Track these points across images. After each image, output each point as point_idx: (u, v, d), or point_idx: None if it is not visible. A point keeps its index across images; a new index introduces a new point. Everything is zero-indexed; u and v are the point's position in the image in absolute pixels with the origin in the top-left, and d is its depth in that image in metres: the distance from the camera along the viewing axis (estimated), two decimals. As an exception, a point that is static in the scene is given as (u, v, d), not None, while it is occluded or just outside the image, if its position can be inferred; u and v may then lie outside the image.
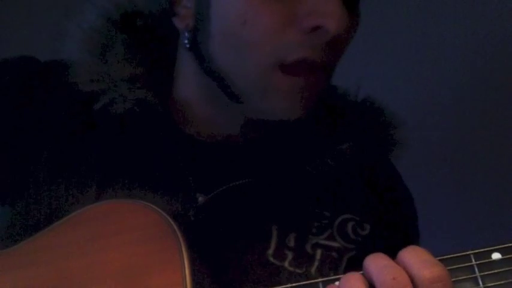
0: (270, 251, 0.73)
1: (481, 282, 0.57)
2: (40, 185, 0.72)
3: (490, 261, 0.58)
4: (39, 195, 0.71)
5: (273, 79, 0.67)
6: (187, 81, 0.76)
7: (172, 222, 0.64)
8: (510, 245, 0.58)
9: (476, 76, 1.31)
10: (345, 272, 0.73)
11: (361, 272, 0.58)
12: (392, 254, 0.68)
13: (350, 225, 0.77)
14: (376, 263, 0.56)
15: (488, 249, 0.58)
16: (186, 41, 0.72)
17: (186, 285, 0.61)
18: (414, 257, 0.55)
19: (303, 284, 0.61)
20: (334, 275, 0.73)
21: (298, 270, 0.73)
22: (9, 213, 0.72)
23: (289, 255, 0.73)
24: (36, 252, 0.65)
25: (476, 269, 0.57)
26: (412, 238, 0.82)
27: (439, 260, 0.58)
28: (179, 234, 0.63)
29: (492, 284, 0.57)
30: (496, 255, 0.58)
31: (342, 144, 0.77)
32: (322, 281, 0.60)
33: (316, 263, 0.74)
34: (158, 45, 0.78)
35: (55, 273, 0.64)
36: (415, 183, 0.83)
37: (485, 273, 0.57)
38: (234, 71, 0.69)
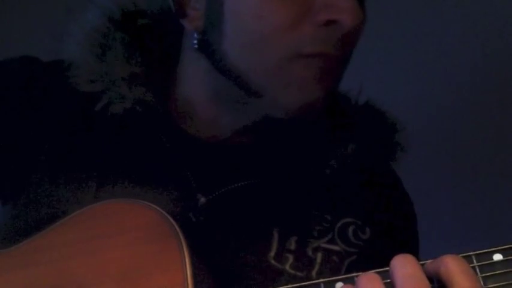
0: (271, 254, 0.73)
1: (482, 283, 0.57)
2: (40, 185, 0.72)
3: (492, 263, 0.58)
4: (39, 194, 0.71)
5: (294, 67, 0.68)
6: (194, 81, 0.76)
7: (173, 222, 0.64)
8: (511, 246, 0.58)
9: (479, 80, 1.30)
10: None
11: (378, 270, 0.58)
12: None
13: (351, 229, 0.76)
14: (403, 270, 0.56)
15: (489, 250, 0.58)
16: (195, 42, 0.72)
17: (187, 285, 0.61)
18: (457, 266, 0.55)
19: (304, 285, 0.61)
20: (335, 279, 0.73)
21: (299, 274, 0.73)
22: (10, 213, 0.72)
23: (290, 258, 0.73)
24: (36, 252, 0.65)
25: (478, 270, 0.57)
26: (411, 243, 0.82)
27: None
28: (180, 234, 0.63)
29: (494, 285, 0.57)
30: (497, 257, 0.58)
31: (344, 147, 0.77)
32: (324, 282, 0.60)
33: (317, 267, 0.74)
34: (158, 45, 0.78)
35: (56, 273, 0.64)
36: (416, 185, 0.83)
37: (487, 274, 0.57)
38: (251, 67, 0.69)
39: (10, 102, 0.75)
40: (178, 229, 0.63)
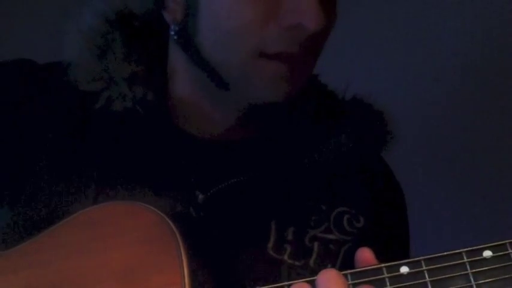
0: (270, 245, 0.74)
1: (472, 279, 0.58)
2: (40, 186, 0.72)
3: (482, 259, 0.59)
4: (39, 196, 0.72)
5: (257, 65, 0.70)
6: (181, 78, 0.77)
7: (171, 223, 0.65)
8: (501, 243, 0.59)
9: (469, 70, 1.30)
10: (342, 263, 0.75)
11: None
12: (386, 247, 0.69)
13: (346, 217, 0.78)
14: None
15: (479, 247, 0.59)
16: (172, 33, 0.75)
17: (184, 285, 0.62)
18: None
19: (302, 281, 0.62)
20: (332, 266, 0.75)
21: (297, 263, 0.74)
22: (9, 214, 0.72)
23: (288, 249, 0.75)
24: (36, 253, 0.66)
25: (468, 267, 0.59)
26: (401, 232, 0.84)
27: (433, 257, 0.60)
28: (178, 235, 0.64)
29: (484, 281, 0.58)
30: (487, 253, 0.59)
31: (336, 137, 0.78)
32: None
33: (314, 255, 0.75)
34: (157, 43, 0.78)
35: (55, 274, 0.65)
36: (407, 180, 0.84)
37: (477, 270, 0.59)
38: (222, 61, 0.71)
39: (8, 104, 0.76)
40: (176, 230, 0.64)
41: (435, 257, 0.60)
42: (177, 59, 0.77)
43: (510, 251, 0.59)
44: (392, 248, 0.78)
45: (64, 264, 0.65)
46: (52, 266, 0.65)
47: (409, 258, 0.60)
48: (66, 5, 0.75)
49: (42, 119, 0.75)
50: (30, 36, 1.15)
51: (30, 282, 0.65)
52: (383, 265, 0.60)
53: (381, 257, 0.62)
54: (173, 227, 0.64)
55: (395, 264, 0.60)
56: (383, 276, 0.60)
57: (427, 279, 0.59)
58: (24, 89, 0.76)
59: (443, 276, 0.59)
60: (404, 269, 0.60)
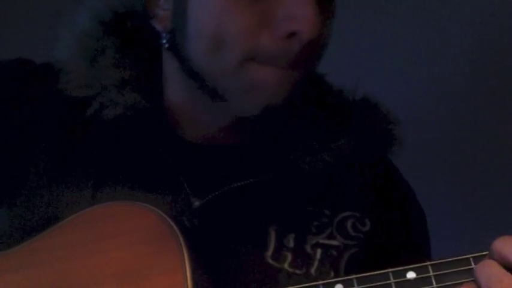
0: (269, 253, 0.73)
1: (480, 285, 0.58)
2: (37, 188, 0.71)
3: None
4: (36, 197, 0.71)
5: (250, 71, 0.68)
6: (173, 83, 0.76)
7: (173, 224, 0.64)
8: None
9: (474, 73, 1.30)
10: (346, 269, 0.74)
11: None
12: (394, 250, 0.68)
13: (350, 222, 0.76)
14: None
15: (487, 253, 0.59)
16: (164, 41, 0.73)
17: (187, 286, 0.61)
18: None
19: (303, 287, 0.61)
20: (334, 273, 0.74)
21: (297, 271, 0.73)
22: (8, 216, 0.71)
23: (289, 256, 0.73)
24: (36, 254, 0.66)
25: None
26: (419, 234, 0.82)
27: (439, 263, 0.59)
28: (180, 236, 0.63)
29: None
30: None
31: (338, 140, 0.76)
32: (323, 283, 0.61)
33: (316, 263, 0.74)
34: (149, 47, 0.77)
35: (55, 274, 0.64)
36: (413, 184, 0.83)
37: None
38: (213, 71, 0.69)
39: (4, 104, 0.75)
40: (177, 230, 0.64)
41: (442, 262, 0.59)
42: (169, 67, 0.76)
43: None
44: (405, 250, 0.76)
45: (64, 264, 0.65)
46: (52, 267, 0.65)
47: (431, 258, 0.60)
48: (59, 8, 0.74)
49: (39, 121, 0.75)
50: (25, 40, 1.15)
51: (30, 282, 0.65)
52: (389, 270, 0.60)
53: (392, 260, 0.61)
54: (174, 227, 0.64)
55: (401, 270, 0.60)
56: (389, 281, 0.59)
57: (434, 285, 0.59)
58: (22, 88, 0.76)
59: (451, 283, 0.58)
60: (411, 275, 0.59)
